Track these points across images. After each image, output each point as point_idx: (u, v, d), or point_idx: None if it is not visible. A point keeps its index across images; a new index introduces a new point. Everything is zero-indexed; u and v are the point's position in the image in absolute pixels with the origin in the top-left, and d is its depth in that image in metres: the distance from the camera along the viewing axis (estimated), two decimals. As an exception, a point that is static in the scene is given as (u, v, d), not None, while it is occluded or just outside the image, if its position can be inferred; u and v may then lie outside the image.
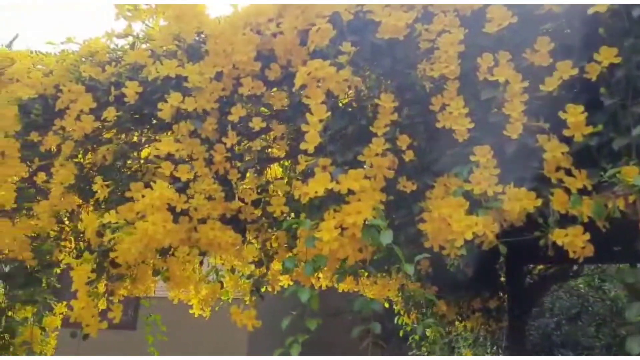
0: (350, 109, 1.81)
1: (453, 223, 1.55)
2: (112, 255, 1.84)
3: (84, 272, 1.89)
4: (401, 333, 3.65)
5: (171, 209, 1.84)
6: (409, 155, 1.72)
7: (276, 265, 2.44)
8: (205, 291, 2.58)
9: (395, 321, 3.54)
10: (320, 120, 1.70)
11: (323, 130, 1.71)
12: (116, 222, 1.81)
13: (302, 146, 1.71)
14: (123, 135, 2.23)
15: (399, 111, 1.74)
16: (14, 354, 2.84)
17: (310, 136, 1.69)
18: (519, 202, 1.56)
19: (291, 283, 2.59)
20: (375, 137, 1.70)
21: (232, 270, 2.55)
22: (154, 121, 2.11)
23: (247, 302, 2.38)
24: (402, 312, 3.46)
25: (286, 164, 2.44)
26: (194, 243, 1.92)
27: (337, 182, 1.64)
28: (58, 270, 2.97)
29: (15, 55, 2.45)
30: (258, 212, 2.02)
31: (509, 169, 1.63)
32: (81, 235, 2.74)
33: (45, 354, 2.95)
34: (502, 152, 1.63)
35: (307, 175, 1.78)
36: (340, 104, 1.81)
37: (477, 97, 1.68)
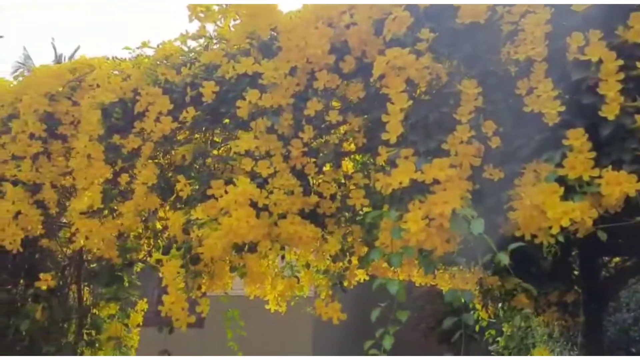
0: (431, 97, 1.76)
1: (548, 210, 1.49)
2: (199, 250, 1.88)
3: (173, 267, 1.94)
4: (477, 328, 3.56)
5: (252, 204, 1.86)
6: (495, 142, 1.66)
7: (352, 260, 2.43)
8: (281, 286, 2.61)
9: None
10: (401, 110, 1.67)
11: (404, 120, 1.68)
12: (202, 219, 1.84)
13: (384, 136, 1.68)
14: (201, 135, 2.28)
15: (482, 97, 1.68)
16: (100, 349, 2.97)
17: (391, 126, 1.66)
18: (618, 186, 1.48)
19: (367, 277, 2.57)
20: (459, 125, 1.65)
21: (307, 266, 2.56)
22: (230, 120, 2.14)
23: (323, 296, 2.38)
24: (479, 307, 3.37)
25: (357, 158, 2.42)
26: (274, 238, 1.93)
27: (422, 172, 1.60)
28: (138, 269, 3.08)
29: (94, 62, 2.55)
30: (336, 206, 2.01)
31: (605, 151, 1.55)
32: (159, 233, 2.83)
33: (130, 350, 3.06)
34: (597, 135, 1.55)
35: (386, 166, 1.75)
36: (421, 92, 1.77)
37: (567, 78, 1.61)
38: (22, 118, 2.45)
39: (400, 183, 1.61)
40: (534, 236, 1.63)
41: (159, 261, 2.64)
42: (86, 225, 2.20)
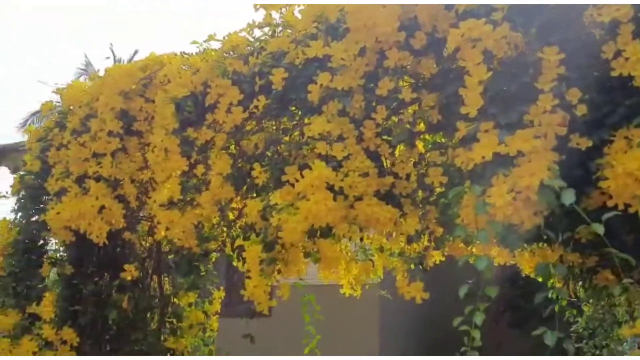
0: (510, 68, 1.71)
1: (644, 177, 1.42)
2: (279, 235, 1.91)
3: (255, 252, 1.98)
4: (556, 308, 3.44)
5: (328, 187, 1.87)
6: (580, 110, 1.59)
7: (425, 241, 2.40)
8: (356, 270, 2.61)
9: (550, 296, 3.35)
10: (480, 82, 1.62)
11: (483, 92, 1.63)
12: (280, 204, 1.87)
13: (463, 110, 1.65)
14: (271, 123, 2.31)
15: (564, 64, 1.61)
16: (182, 336, 3.08)
17: (471, 99, 1.63)
18: None
19: (442, 258, 2.54)
20: (541, 94, 1.59)
21: (381, 249, 2.56)
22: (300, 105, 2.16)
23: (399, 279, 2.36)
24: (559, 285, 3.25)
25: (428, 138, 2.38)
26: (351, 220, 1.93)
27: (505, 145, 1.56)
28: (213, 259, 3.17)
29: (164, 58, 2.63)
30: (412, 186, 1.99)
31: None
32: (232, 223, 2.90)
33: (211, 337, 3.16)
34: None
35: (465, 142, 1.71)
36: (499, 63, 1.71)
37: (658, 37, 1.52)
38: (100, 117, 2.56)
39: (483, 157, 1.57)
40: (627, 205, 1.56)
41: (236, 249, 2.71)
42: (167, 217, 2.28)
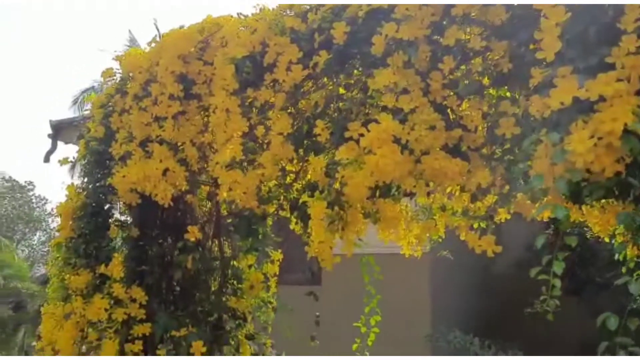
0: (589, 9, 1.62)
1: None
2: (345, 191, 1.90)
3: (320, 207, 1.98)
4: (623, 270, 3.33)
5: (395, 141, 1.84)
6: (668, 50, 1.50)
7: (490, 198, 2.35)
8: (417, 230, 2.59)
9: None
10: (557, 24, 1.55)
11: (560, 36, 1.55)
12: (346, 159, 1.86)
13: (539, 55, 1.58)
14: (332, 80, 2.28)
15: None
16: (242, 297, 3.15)
17: (547, 43, 1.55)
18: None
19: (508, 216, 2.48)
20: (624, 35, 1.50)
21: (442, 208, 2.52)
22: (361, 60, 2.12)
23: (464, 238, 2.32)
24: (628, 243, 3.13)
25: (492, 92, 2.30)
26: (418, 175, 1.90)
27: (586, 89, 1.49)
28: (270, 222, 3.21)
29: (220, 20, 2.63)
30: (480, 139, 1.94)
31: None
32: (290, 185, 2.91)
33: (270, 299, 3.22)
34: None
35: (540, 89, 1.64)
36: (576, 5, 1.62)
37: None
38: (160, 81, 2.60)
39: (562, 103, 1.50)
40: None
41: (294, 211, 2.74)
42: (230, 177, 2.31)
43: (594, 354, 1.70)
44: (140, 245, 2.86)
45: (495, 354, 5.39)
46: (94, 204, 2.82)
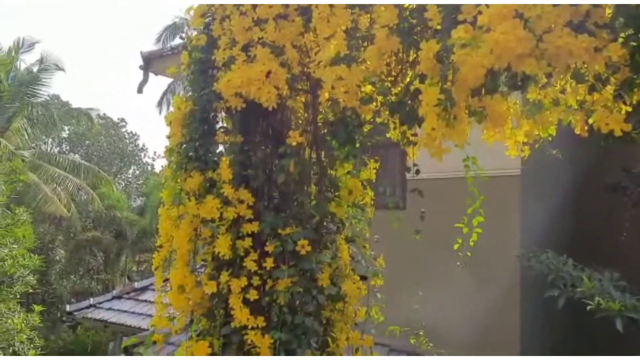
0: None
1: None
2: (461, 73, 1.85)
3: (433, 93, 1.95)
4: None
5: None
6: None
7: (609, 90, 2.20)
8: (527, 126, 2.50)
9: None
10: None
11: None
12: (462, 39, 1.79)
13: None
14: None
15: None
16: (339, 205, 3.22)
17: None
18: None
19: (629, 109, 2.32)
20: None
21: (555, 102, 2.40)
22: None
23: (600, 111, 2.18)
24: None
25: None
26: (539, 55, 1.80)
27: None
28: (366, 129, 3.21)
29: None
30: (609, 14, 1.80)
31: None
32: (389, 89, 2.87)
33: (365, 206, 3.27)
34: None
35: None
36: None
37: None
38: (260, -17, 2.60)
39: None
40: None
41: (395, 111, 2.70)
42: (334, 72, 2.31)
43: None
44: (244, 151, 2.97)
45: (590, 276, 5.24)
46: (200, 111, 2.94)
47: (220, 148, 3.03)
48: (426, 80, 2.06)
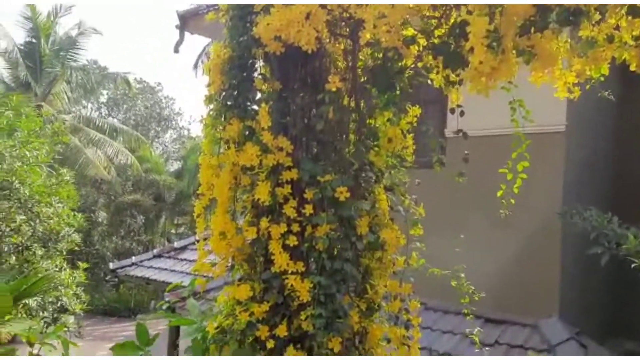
0: None
1: None
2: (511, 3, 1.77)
3: (481, 24, 1.88)
4: None
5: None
6: None
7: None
8: (578, 65, 2.38)
9: None
10: None
11: None
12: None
13: None
14: None
15: None
16: (378, 154, 3.18)
17: None
18: None
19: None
20: None
21: (610, 39, 2.27)
22: None
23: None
24: None
25: None
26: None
27: None
28: (408, 75, 3.14)
29: None
30: None
31: None
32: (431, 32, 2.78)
33: (406, 152, 3.22)
34: None
35: None
36: None
37: None
38: None
39: None
40: None
41: (439, 52, 2.63)
42: (376, 9, 2.25)
43: None
44: (283, 98, 2.95)
45: (636, 234, 5.09)
46: (239, 58, 2.92)
47: (259, 95, 3.01)
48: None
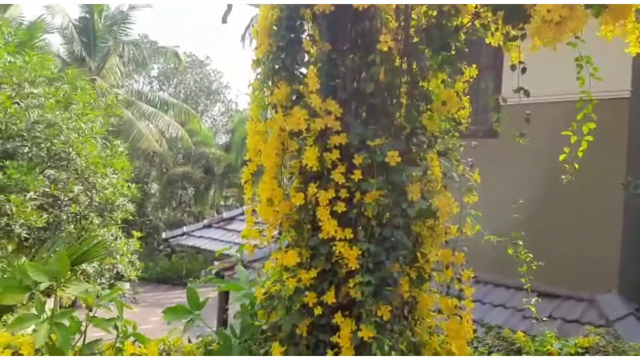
0: None
1: None
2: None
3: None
4: None
5: None
6: None
7: None
8: (656, 14, 2.18)
9: None
10: None
11: None
12: None
13: None
14: None
15: None
16: (431, 118, 3.05)
17: None
18: None
19: None
20: None
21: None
22: None
23: None
24: None
25: None
26: None
27: None
28: (463, 35, 2.98)
29: None
30: None
31: None
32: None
33: (461, 114, 3.07)
34: None
35: None
36: None
37: None
38: None
39: None
40: None
41: (498, 8, 2.46)
42: (433, -40, 2.10)
43: None
44: (332, 60, 2.86)
45: None
46: (287, 18, 2.84)
47: (307, 58, 2.92)
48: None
